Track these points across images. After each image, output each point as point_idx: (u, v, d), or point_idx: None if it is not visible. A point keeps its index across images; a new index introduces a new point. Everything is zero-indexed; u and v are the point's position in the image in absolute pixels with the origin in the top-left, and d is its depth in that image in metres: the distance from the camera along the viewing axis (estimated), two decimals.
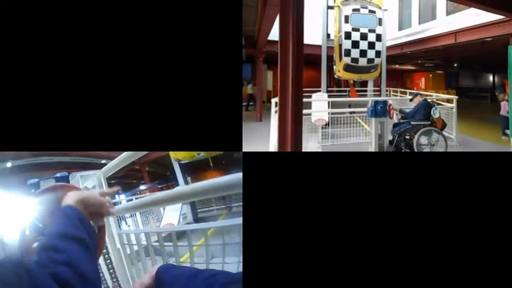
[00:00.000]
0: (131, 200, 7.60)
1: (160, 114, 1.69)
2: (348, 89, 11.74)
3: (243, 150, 1.69)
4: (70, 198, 0.85)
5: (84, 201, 0.86)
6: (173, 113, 1.69)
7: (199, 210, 8.93)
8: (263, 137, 6.39)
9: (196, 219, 8.09)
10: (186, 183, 8.07)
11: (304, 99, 2.67)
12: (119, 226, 2.72)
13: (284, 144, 2.54)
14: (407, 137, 5.85)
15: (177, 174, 8.17)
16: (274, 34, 8.02)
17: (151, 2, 1.67)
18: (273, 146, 5.65)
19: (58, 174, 1.44)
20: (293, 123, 2.50)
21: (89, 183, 2.24)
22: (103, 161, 9.49)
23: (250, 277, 1.45)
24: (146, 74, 1.68)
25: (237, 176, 1.36)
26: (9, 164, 9.55)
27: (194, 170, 9.15)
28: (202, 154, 5.62)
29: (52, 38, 1.63)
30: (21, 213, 1.30)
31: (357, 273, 1.48)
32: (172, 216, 7.34)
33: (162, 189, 12.06)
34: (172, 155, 7.01)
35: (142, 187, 13.70)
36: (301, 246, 1.48)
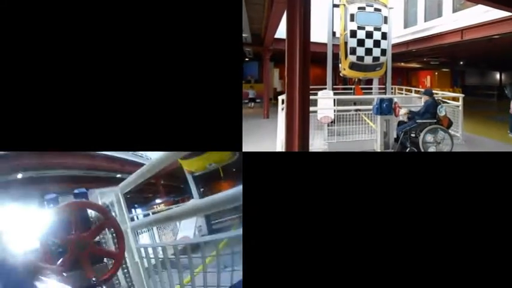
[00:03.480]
0: (148, 214, 7.69)
1: (161, 115, 1.71)
2: (353, 86, 11.71)
3: (250, 146, 1.71)
4: None
5: None
6: (173, 113, 1.72)
7: (214, 222, 9.02)
8: (270, 133, 6.40)
9: (211, 231, 8.16)
10: (200, 194, 8.16)
11: (310, 97, 2.68)
12: (137, 240, 2.73)
13: (291, 143, 2.55)
14: (412, 135, 5.83)
15: (191, 186, 8.28)
16: (280, 32, 8.02)
17: (151, 6, 1.70)
18: (280, 142, 5.66)
19: (76, 191, 1.45)
20: (300, 121, 2.51)
21: (107, 199, 2.26)
22: (118, 175, 9.62)
23: (251, 278, 1.46)
24: (146, 75, 1.70)
25: (240, 189, 1.38)
26: (20, 176, 9.58)
27: (206, 182, 9.25)
28: (213, 165, 5.76)
29: (60, 42, 1.65)
30: (38, 227, 1.31)
31: (365, 272, 1.50)
32: (188, 229, 7.43)
33: (177, 202, 12.18)
34: (186, 167, 7.12)
35: (158, 200, 13.78)
36: (301, 246, 1.49)
